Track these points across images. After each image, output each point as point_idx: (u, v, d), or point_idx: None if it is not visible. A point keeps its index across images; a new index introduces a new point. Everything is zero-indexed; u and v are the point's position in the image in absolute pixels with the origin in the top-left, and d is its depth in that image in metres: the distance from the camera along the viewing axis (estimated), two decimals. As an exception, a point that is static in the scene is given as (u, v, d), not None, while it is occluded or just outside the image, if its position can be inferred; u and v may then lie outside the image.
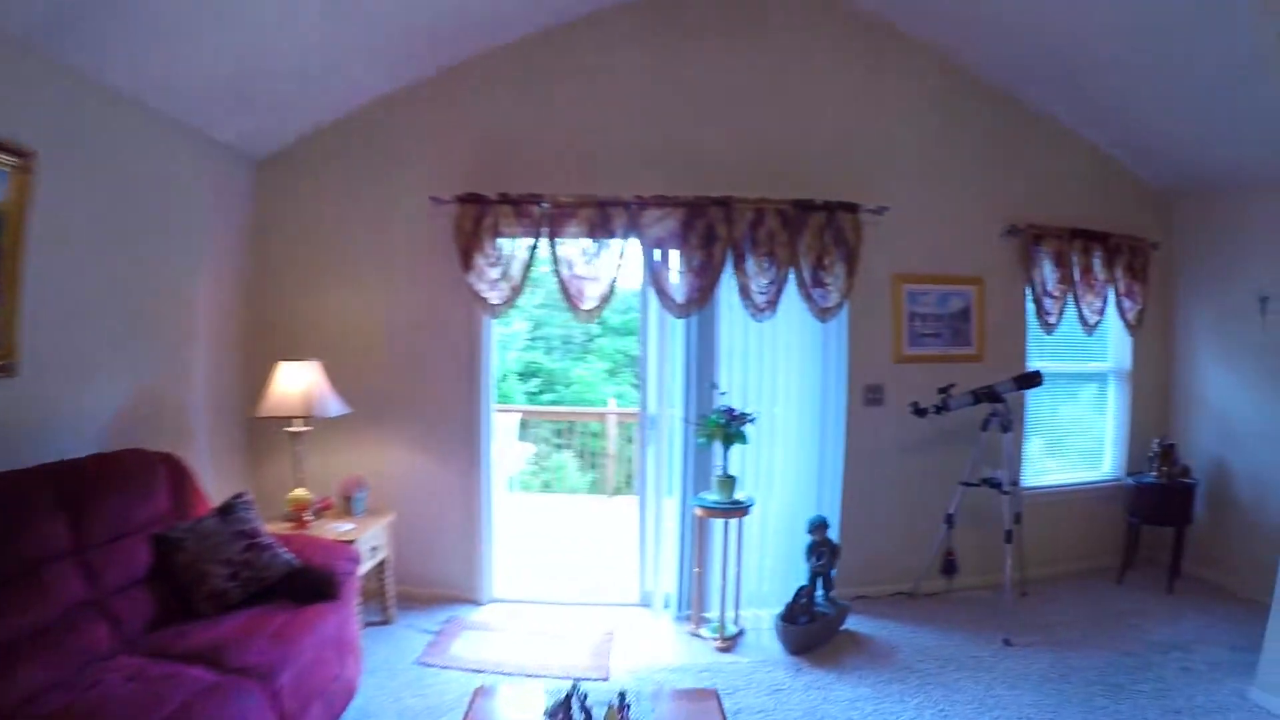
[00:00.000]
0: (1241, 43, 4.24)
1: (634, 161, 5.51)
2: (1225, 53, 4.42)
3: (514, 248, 5.29)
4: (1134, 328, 6.42)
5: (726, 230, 5.33)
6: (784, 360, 5.67)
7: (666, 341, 5.55)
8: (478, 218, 5.25)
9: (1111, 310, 6.34)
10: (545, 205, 5.22)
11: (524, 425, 10.01)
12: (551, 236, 5.25)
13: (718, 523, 5.20)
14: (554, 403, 25.13)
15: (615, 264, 5.24)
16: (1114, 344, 6.70)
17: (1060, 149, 6.23)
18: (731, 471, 5.14)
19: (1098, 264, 6.20)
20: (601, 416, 10.01)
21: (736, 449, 5.16)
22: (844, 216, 5.57)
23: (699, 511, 5.16)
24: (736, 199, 5.36)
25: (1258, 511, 5.75)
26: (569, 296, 5.22)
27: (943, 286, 6.07)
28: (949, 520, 5.72)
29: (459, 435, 5.62)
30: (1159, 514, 6.11)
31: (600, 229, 5.25)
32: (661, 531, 5.63)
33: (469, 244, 5.26)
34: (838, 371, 5.80)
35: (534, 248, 5.25)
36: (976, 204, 6.01)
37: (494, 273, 5.26)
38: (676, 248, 5.33)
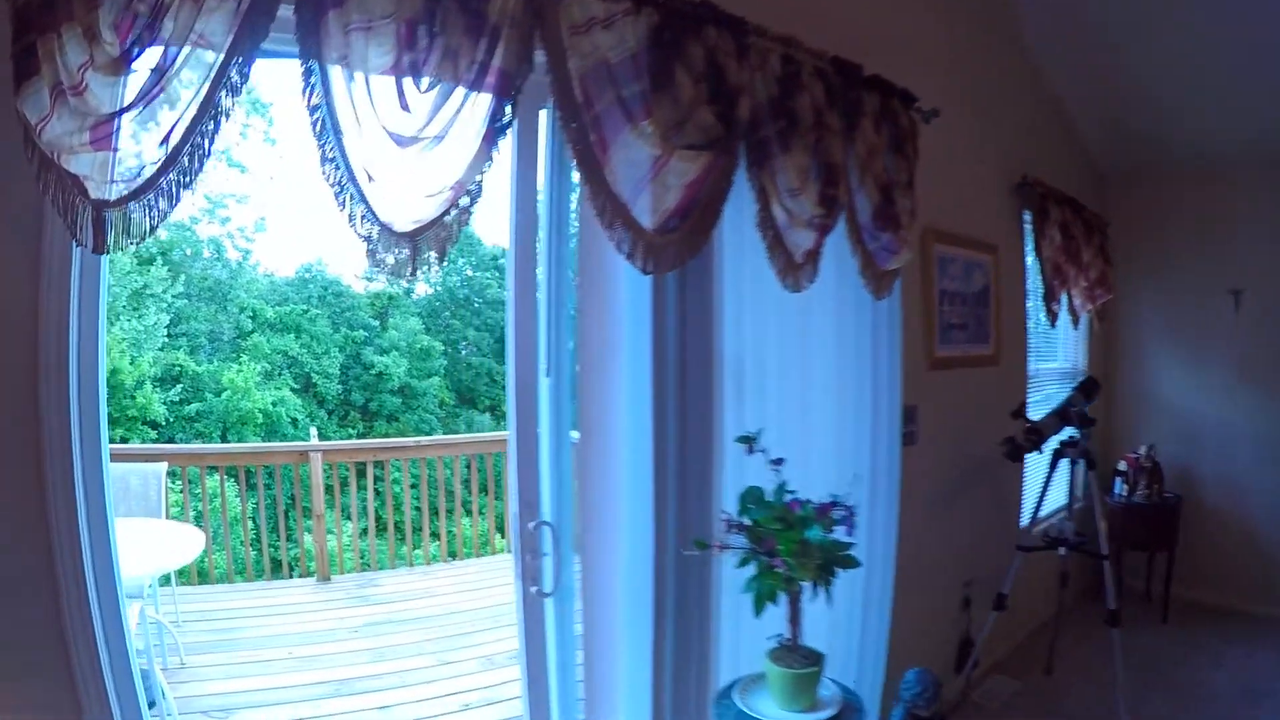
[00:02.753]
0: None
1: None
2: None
3: (180, 58, 1.58)
4: (1101, 319, 5.66)
5: (746, 83, 2.32)
6: (819, 371, 2.81)
7: (607, 325, 2.30)
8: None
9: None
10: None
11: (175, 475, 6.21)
12: (305, 45, 1.68)
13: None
14: (201, 414, 20.69)
15: (479, 128, 1.82)
16: (1066, 339, 5.85)
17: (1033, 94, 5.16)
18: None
19: (1080, 240, 5.08)
20: (303, 456, 6.48)
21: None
22: (899, 109, 2.96)
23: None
24: (754, 26, 2.36)
25: (1238, 519, 5.60)
26: (355, 196, 1.72)
27: (967, 253, 4.15)
28: (1001, 603, 4.21)
29: None
30: (1147, 537, 5.55)
31: (439, 45, 1.76)
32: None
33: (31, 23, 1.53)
34: (885, 388, 3.09)
35: (234, 59, 1.60)
36: (988, 144, 4.50)
37: (107, 104, 1.57)
38: (638, 112, 2.07)
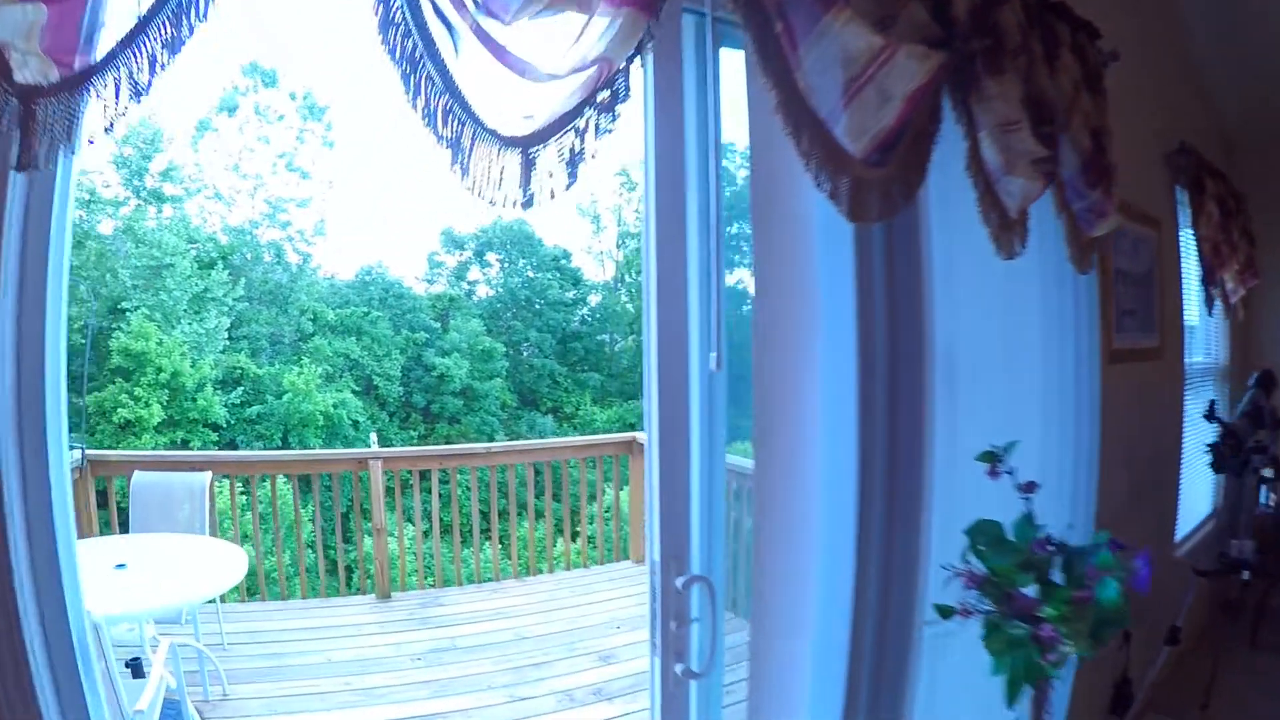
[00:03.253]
0: None
1: None
2: None
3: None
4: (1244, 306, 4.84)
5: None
6: (1024, 367, 2.17)
7: (795, 305, 1.63)
8: None
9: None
10: None
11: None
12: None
13: None
14: (262, 416, 20.62)
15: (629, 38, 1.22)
16: (1205, 331, 5.10)
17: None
18: None
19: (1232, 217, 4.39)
20: (361, 464, 5.96)
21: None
22: (1085, 45, 2.30)
23: None
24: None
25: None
26: (435, 78, 1.13)
27: (1135, 227, 3.48)
28: (1174, 637, 3.54)
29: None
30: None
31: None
32: None
33: None
34: (1086, 388, 2.43)
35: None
36: (1140, 104, 3.61)
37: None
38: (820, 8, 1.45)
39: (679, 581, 1.45)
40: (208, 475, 4.64)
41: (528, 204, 1.12)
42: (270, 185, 24.18)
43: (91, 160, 21.39)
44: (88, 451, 5.02)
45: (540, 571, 6.35)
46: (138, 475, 4.66)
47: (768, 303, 1.54)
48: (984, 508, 1.59)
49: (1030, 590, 1.51)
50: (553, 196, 1.14)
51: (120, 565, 3.62)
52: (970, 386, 1.79)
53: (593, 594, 5.87)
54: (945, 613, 1.45)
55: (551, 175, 1.13)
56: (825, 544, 1.48)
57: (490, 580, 6.46)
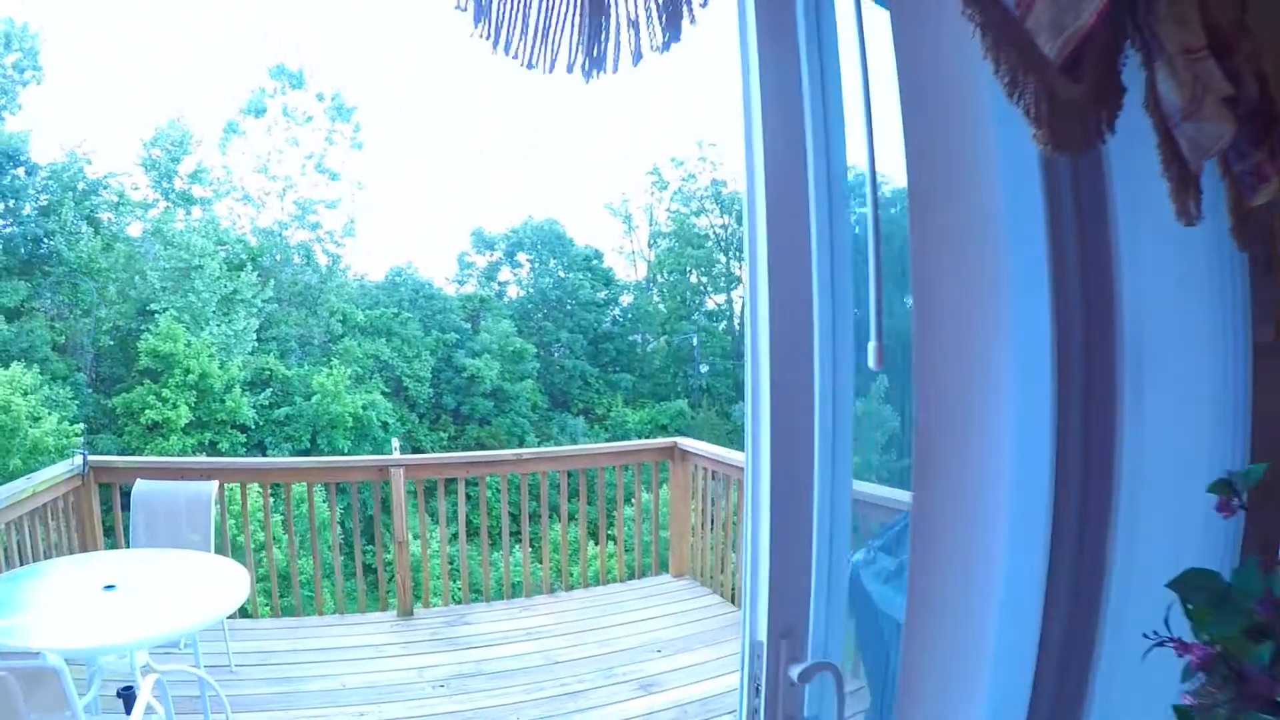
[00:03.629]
0: None
1: None
2: None
3: None
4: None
5: None
6: (1195, 359, 1.70)
7: (973, 285, 1.09)
8: None
9: None
10: None
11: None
12: None
13: None
14: (291, 417, 20.48)
15: None
16: None
17: None
18: None
19: None
20: (382, 472, 5.56)
21: None
22: None
23: None
24: None
25: None
26: None
27: None
28: None
29: None
30: None
31: None
32: None
33: None
34: (1243, 386, 1.94)
35: None
36: None
37: None
38: None
39: (795, 671, 1.01)
40: (213, 485, 4.28)
41: (597, 65, 0.71)
42: (299, 187, 24.19)
43: (120, 162, 21.55)
44: (91, 457, 4.69)
45: (573, 581, 5.93)
46: (139, 484, 4.31)
47: (930, 285, 1.09)
48: (1175, 548, 1.16)
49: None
50: (636, 60, 0.72)
51: (109, 586, 3.24)
52: (1156, 390, 1.35)
53: (629, 612, 5.45)
54: (1185, 716, 1.01)
55: (636, 27, 0.71)
56: (1006, 612, 1.04)
57: (520, 593, 6.06)
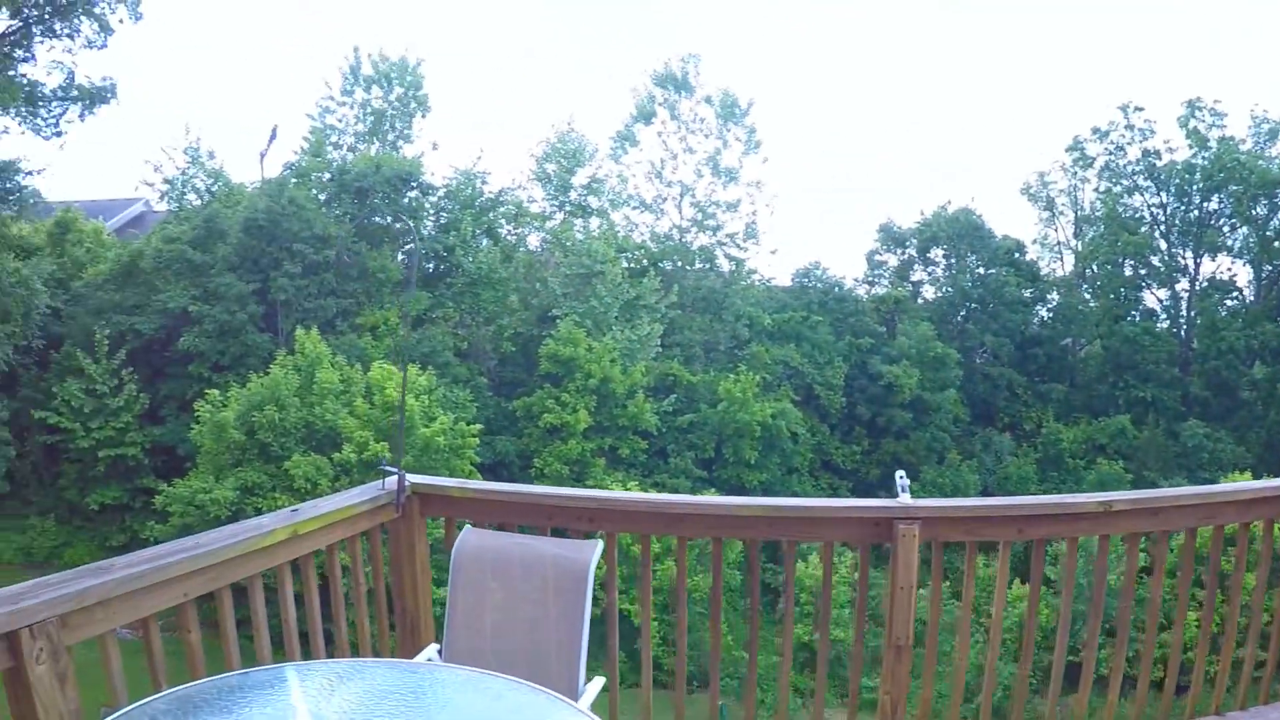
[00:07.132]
0: None
1: None
2: None
3: None
4: None
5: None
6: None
7: None
8: None
9: None
10: None
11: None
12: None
13: None
14: (694, 425, 19.37)
15: None
16: None
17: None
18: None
19: None
20: (882, 526, 3.20)
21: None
22: None
23: None
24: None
25: None
26: None
27: None
28: None
29: None
30: None
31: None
32: None
33: None
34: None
35: None
36: None
37: None
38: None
39: None
40: (596, 549, 2.22)
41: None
42: (696, 190, 23.70)
43: (514, 177, 22.57)
44: (414, 478, 2.85)
45: None
46: (466, 534, 2.37)
47: None
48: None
49: None
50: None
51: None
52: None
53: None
54: None
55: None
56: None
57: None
